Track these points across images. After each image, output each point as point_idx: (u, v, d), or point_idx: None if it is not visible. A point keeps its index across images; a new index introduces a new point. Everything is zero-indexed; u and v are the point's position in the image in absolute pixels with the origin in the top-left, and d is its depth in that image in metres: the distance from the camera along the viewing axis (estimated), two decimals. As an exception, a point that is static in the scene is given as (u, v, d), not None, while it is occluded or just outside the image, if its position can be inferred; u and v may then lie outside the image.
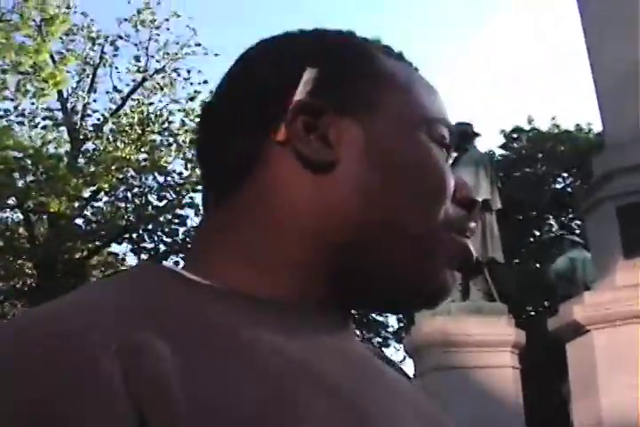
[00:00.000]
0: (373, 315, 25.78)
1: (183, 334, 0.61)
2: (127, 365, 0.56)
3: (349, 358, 0.72)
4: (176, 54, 20.15)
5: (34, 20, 15.81)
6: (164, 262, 0.77)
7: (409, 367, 24.50)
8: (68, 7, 17.60)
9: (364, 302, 0.79)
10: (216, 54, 20.67)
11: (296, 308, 0.71)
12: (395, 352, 29.60)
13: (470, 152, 9.57)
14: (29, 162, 17.39)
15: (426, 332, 8.77)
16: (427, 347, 8.64)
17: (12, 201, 18.54)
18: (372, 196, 0.73)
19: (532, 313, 22.28)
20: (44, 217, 19.59)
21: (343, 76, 0.76)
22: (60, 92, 18.88)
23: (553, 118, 25.82)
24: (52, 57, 17.81)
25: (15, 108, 18.36)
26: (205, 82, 19.88)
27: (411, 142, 0.75)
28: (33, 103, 18.28)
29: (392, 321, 25.76)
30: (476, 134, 9.86)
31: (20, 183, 17.79)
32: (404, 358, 25.82)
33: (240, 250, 0.73)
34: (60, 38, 18.41)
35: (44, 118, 19.05)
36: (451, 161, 0.82)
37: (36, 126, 19.05)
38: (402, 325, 24.76)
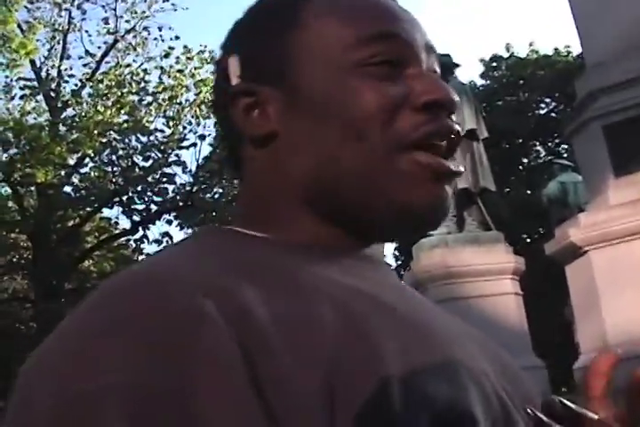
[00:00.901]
0: (371, 256, 25.95)
1: (259, 274, 0.70)
2: (219, 303, 0.63)
3: (396, 289, 0.82)
4: (144, 13, 19.96)
5: (-4, -10, 15.60)
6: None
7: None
8: (29, -26, 17.37)
9: (379, 236, 0.86)
10: (185, 8, 20.49)
11: (333, 250, 0.81)
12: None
13: (451, 83, 9.47)
14: (11, 134, 17.29)
15: (425, 265, 8.84)
16: (427, 280, 8.71)
17: (-3, 175, 18.49)
18: (309, 148, 0.80)
19: (528, 240, 22.44)
20: (32, 188, 19.53)
21: (255, 52, 0.85)
22: (32, 62, 18.69)
23: (531, 44, 25.70)
24: (19, 26, 17.59)
25: (-12, 81, 18.23)
26: (177, 37, 19.73)
27: (327, 83, 0.80)
28: (7, 76, 18.13)
29: (390, 260, 25.97)
30: (456, 65, 9.81)
31: (4, 157, 17.71)
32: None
33: (257, 212, 0.84)
34: (26, 7, 18.18)
35: (21, 88, 18.88)
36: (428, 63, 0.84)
37: (12, 98, 18.88)
38: (400, 262, 24.96)
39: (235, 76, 0.85)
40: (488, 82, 25.22)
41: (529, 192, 22.95)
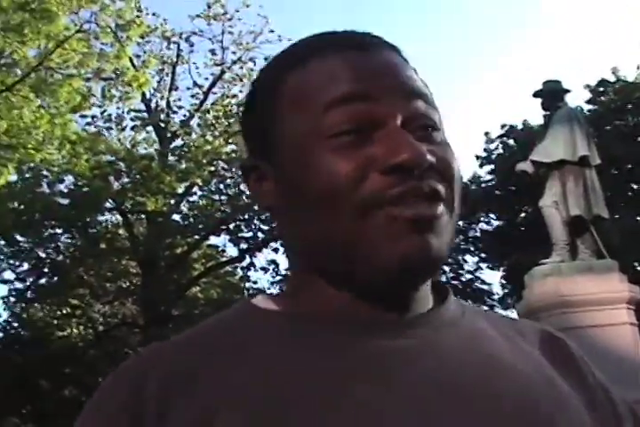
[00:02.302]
0: (477, 284, 25.63)
1: (221, 353, 0.83)
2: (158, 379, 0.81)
3: (411, 355, 0.83)
4: (248, 44, 20.35)
5: (109, 27, 16.10)
6: (260, 295, 0.95)
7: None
8: (140, 10, 17.87)
9: (379, 295, 0.86)
10: (289, 39, 20.78)
11: (341, 319, 0.85)
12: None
13: (563, 109, 9.35)
14: (123, 164, 17.78)
15: (538, 294, 8.66)
16: (540, 309, 8.52)
17: (109, 204, 19.00)
18: (297, 220, 0.86)
19: (639, 268, 21.83)
20: (142, 216, 20.02)
21: (250, 134, 0.95)
22: (142, 94, 19.23)
23: (639, 68, 25.13)
24: (130, 60, 18.12)
25: (102, 113, 18.83)
26: (282, 68, 19.99)
27: (298, 162, 0.85)
28: (118, 107, 18.69)
29: (497, 288, 25.58)
30: (566, 91, 9.65)
31: (116, 186, 18.23)
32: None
33: (289, 282, 0.95)
34: (137, 42, 18.73)
35: (132, 119, 19.43)
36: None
37: (124, 129, 19.46)
38: (506, 291, 24.57)
39: (245, 153, 0.96)
40: (595, 107, 24.74)
41: (639, 219, 22.36)
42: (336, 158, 0.81)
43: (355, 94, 0.83)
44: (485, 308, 26.70)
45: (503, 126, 25.39)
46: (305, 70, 0.87)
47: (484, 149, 25.78)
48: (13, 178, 16.72)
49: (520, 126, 24.98)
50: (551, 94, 9.38)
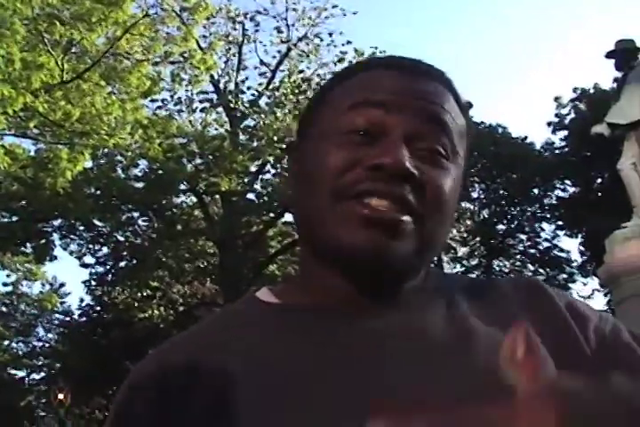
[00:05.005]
0: (555, 252, 25.33)
1: (229, 337, 0.93)
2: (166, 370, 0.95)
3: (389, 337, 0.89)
4: (312, 20, 20.32)
5: (174, 11, 16.21)
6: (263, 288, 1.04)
7: (598, 303, 23.89)
8: (204, -9, 17.90)
9: (356, 278, 0.93)
10: (354, 12, 20.68)
11: (329, 312, 0.93)
12: (582, 287, 28.88)
13: (638, 68, 9.13)
14: (195, 146, 17.98)
15: (620, 258, 8.48)
16: (622, 274, 8.35)
17: (184, 185, 19.24)
18: (297, 203, 0.98)
19: None
20: (217, 196, 20.23)
21: (302, 117, 1.06)
22: (211, 75, 19.37)
23: None
24: (197, 43, 18.25)
25: (172, 97, 19.03)
26: (349, 42, 19.94)
27: (315, 148, 0.95)
28: (187, 90, 18.86)
29: (575, 255, 25.25)
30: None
31: (189, 167, 18.43)
32: (592, 292, 25.26)
33: (296, 275, 1.07)
34: (202, 24, 18.83)
35: (200, 101, 19.59)
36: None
37: (194, 111, 19.65)
38: (585, 258, 24.24)
39: (295, 134, 1.07)
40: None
41: None
42: (338, 151, 0.92)
43: (375, 101, 0.93)
44: (564, 276, 26.28)
45: (575, 90, 24.96)
46: (349, 81, 0.99)
47: (556, 115, 25.41)
48: (89, 164, 17.07)
49: (592, 90, 24.52)
50: (625, 54, 9.16)
